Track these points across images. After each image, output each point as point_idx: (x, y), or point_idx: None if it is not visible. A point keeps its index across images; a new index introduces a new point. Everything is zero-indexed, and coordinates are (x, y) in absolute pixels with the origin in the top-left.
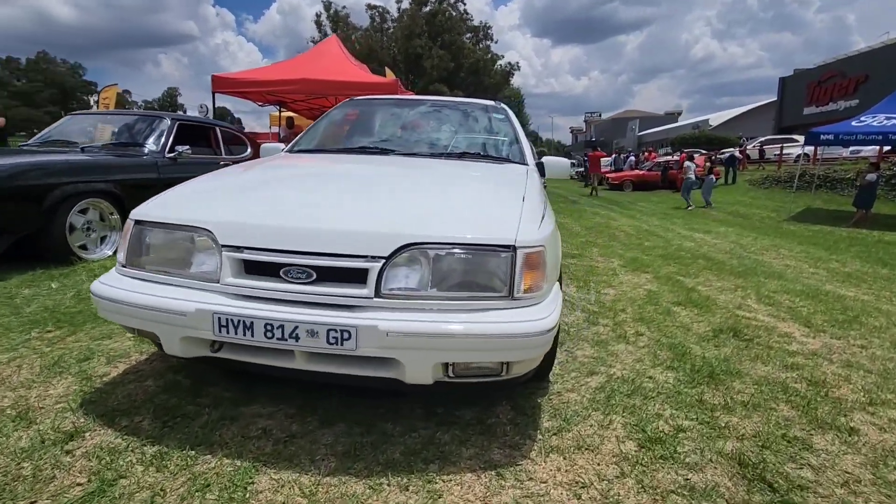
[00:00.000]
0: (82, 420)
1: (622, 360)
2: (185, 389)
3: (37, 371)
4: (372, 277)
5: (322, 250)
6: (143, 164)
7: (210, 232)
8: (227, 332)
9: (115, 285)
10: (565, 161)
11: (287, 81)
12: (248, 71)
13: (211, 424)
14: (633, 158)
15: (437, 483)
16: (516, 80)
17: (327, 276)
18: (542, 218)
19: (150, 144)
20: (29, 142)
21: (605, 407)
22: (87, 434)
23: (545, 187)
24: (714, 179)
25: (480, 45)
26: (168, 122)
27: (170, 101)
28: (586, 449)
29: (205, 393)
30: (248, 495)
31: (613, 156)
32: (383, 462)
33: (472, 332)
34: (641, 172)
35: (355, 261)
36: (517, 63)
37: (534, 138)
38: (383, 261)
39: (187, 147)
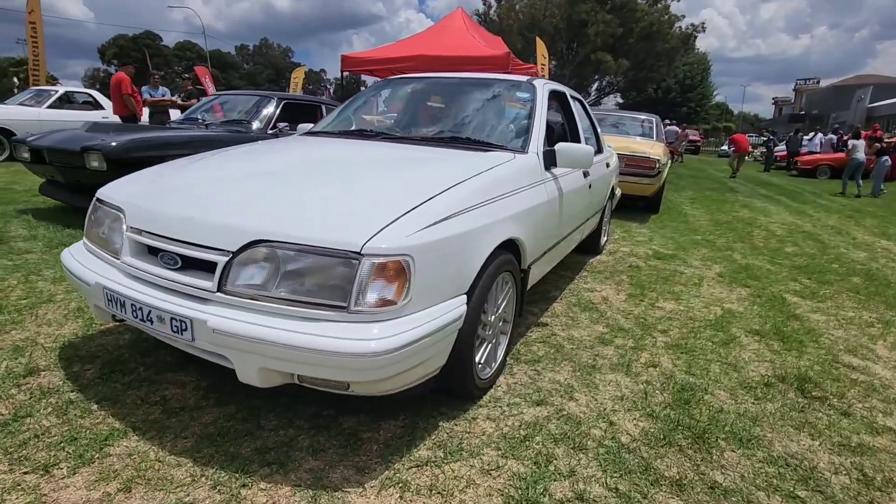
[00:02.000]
0: (44, 361)
1: (594, 396)
2: (142, 350)
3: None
4: (218, 271)
5: (185, 238)
6: (247, 139)
7: (122, 212)
8: (113, 307)
9: (71, 253)
10: (585, 149)
11: (406, 58)
12: (374, 49)
13: (134, 384)
14: (833, 137)
15: (249, 489)
16: (705, 43)
17: (189, 264)
18: (440, 221)
19: (257, 122)
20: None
21: (511, 450)
22: (42, 373)
23: (555, 178)
24: (888, 162)
25: (659, 5)
26: (275, 101)
27: (354, 78)
28: (437, 493)
29: (154, 354)
30: (98, 457)
31: (819, 134)
32: (229, 454)
33: (290, 343)
34: (842, 155)
35: (207, 252)
36: (702, 24)
37: (721, 111)
38: (230, 255)
39: (286, 124)
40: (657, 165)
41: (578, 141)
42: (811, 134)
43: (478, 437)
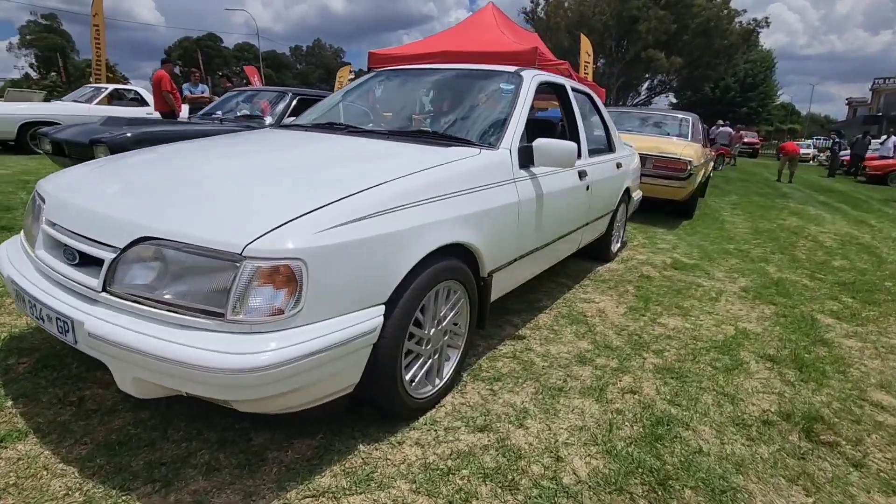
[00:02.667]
0: None
1: (549, 424)
2: None
3: None
4: (104, 269)
5: (80, 232)
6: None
7: (44, 202)
8: (19, 301)
9: (6, 245)
10: (565, 146)
11: (431, 55)
12: (401, 46)
13: (59, 381)
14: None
15: None
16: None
17: (85, 260)
18: (352, 221)
19: (269, 116)
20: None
21: (428, 485)
22: None
23: (532, 178)
24: None
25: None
26: (289, 97)
27: None
28: None
29: None
30: None
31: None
32: (119, 466)
33: (157, 353)
34: None
35: (97, 247)
36: (765, 19)
37: (788, 111)
38: (117, 252)
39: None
40: (688, 167)
41: (577, 139)
42: (883, 137)
43: (395, 465)
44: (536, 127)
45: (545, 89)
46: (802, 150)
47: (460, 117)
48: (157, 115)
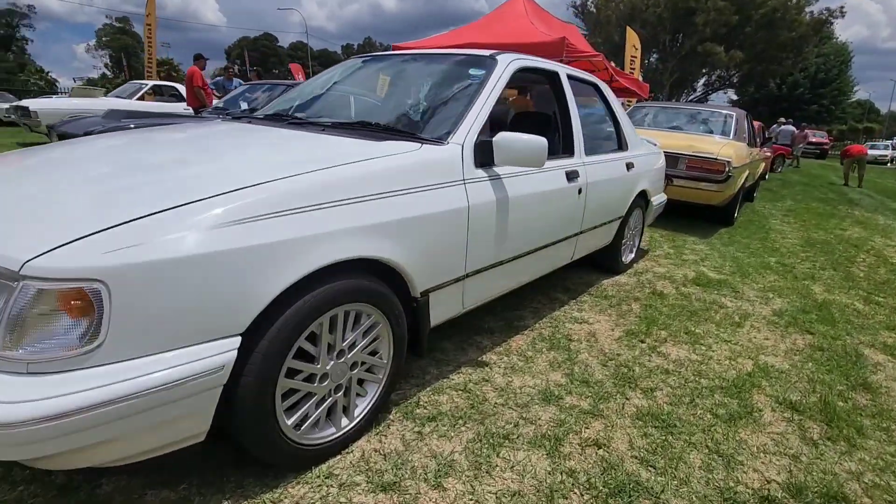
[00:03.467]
0: None
1: (473, 486)
2: None
3: None
4: None
5: None
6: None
7: None
8: None
9: None
10: (533, 141)
11: (453, 48)
12: (425, 39)
13: None
14: None
15: None
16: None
17: None
18: (183, 234)
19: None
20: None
21: None
22: None
23: (492, 179)
24: None
25: None
26: (281, 89)
27: None
28: None
29: None
30: None
31: None
32: None
33: None
34: None
35: None
36: (840, 9)
37: (865, 109)
38: None
39: None
40: (727, 169)
41: (570, 135)
42: None
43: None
44: (529, 121)
45: (534, 77)
46: (879, 152)
47: (416, 107)
48: (190, 110)
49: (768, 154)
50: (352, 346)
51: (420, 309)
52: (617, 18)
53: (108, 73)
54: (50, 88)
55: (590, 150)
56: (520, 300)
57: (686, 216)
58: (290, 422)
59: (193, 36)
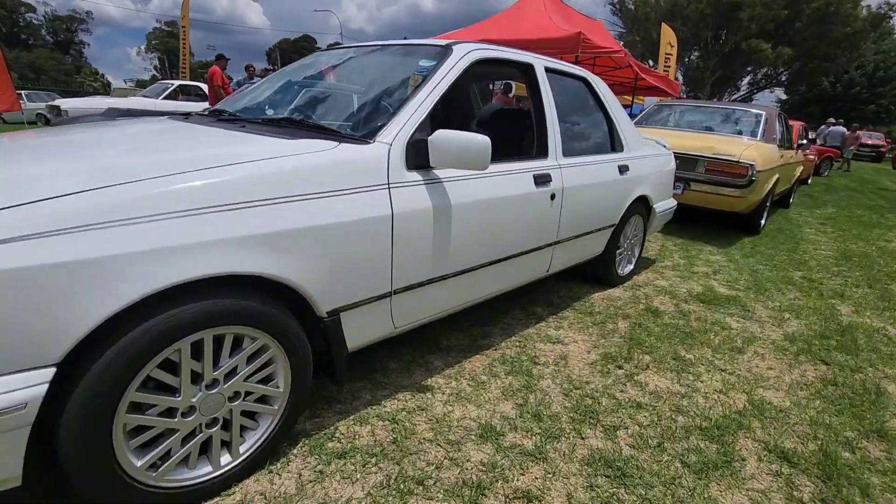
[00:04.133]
0: None
1: None
2: None
3: None
4: None
5: None
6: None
7: None
8: None
9: None
10: (473, 141)
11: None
12: (453, 32)
13: None
14: None
15: None
16: None
17: None
18: None
19: None
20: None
21: None
22: None
23: (428, 183)
24: None
25: None
26: None
27: None
28: None
29: None
30: None
31: None
32: None
33: None
34: None
35: None
36: None
37: None
38: None
39: None
40: (750, 172)
41: (543, 134)
42: None
43: None
44: (499, 120)
45: (506, 71)
46: None
47: (352, 102)
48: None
49: (811, 156)
50: (231, 373)
51: (330, 330)
52: (656, 15)
53: (158, 74)
54: (104, 90)
55: (570, 152)
56: (493, 314)
57: (707, 223)
58: (139, 463)
59: (239, 39)
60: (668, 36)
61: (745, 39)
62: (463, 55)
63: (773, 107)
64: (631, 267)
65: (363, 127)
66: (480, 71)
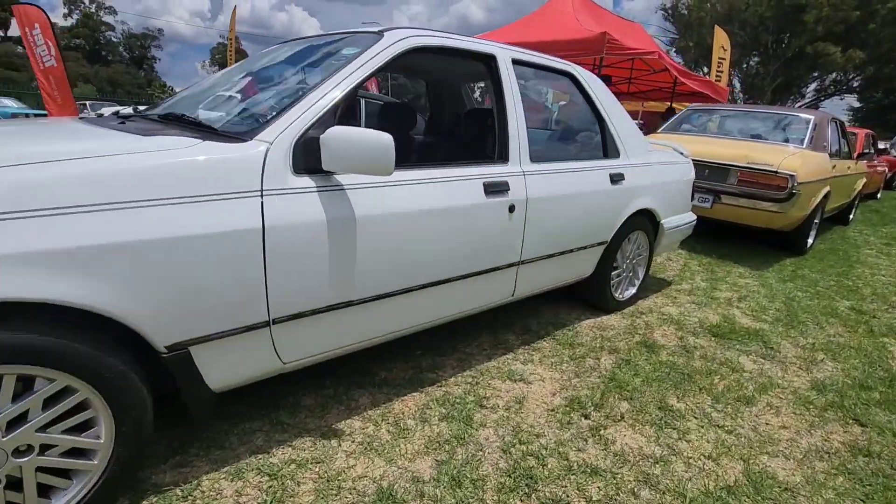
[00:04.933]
0: None
1: None
2: None
3: None
4: None
5: None
6: None
7: None
8: None
9: None
10: (374, 139)
11: None
12: (484, 34)
13: None
14: None
15: None
16: None
17: None
18: None
19: None
20: None
21: None
22: None
23: (321, 190)
24: None
25: None
26: None
27: None
28: None
29: None
30: None
31: None
32: None
33: None
34: None
35: None
36: None
37: None
38: None
39: None
40: (790, 185)
41: (504, 136)
42: None
43: None
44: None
45: (466, 65)
46: None
47: (259, 99)
48: None
49: (880, 168)
50: (19, 420)
51: (174, 368)
52: (711, 19)
53: None
54: None
55: (542, 157)
56: (453, 341)
57: (743, 240)
58: None
59: None
60: (721, 39)
61: (810, 43)
62: (393, 42)
63: (825, 112)
64: (633, 290)
65: (243, 123)
66: (425, 62)
